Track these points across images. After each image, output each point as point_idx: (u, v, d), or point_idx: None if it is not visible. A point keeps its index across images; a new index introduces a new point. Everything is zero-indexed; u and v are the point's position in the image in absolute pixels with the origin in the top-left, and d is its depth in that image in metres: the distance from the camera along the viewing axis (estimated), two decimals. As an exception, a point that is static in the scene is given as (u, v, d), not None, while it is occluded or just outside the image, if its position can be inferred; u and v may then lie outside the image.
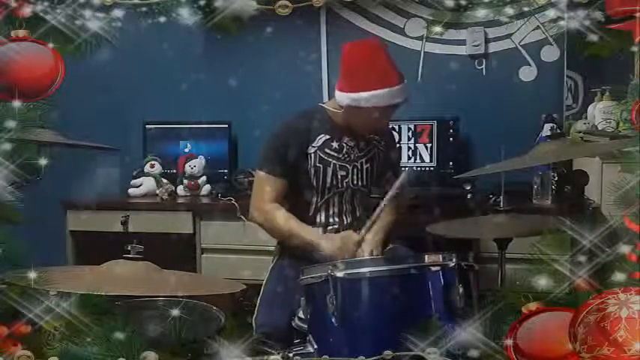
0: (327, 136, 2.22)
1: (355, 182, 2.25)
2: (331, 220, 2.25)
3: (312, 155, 2.20)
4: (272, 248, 2.40)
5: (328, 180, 2.21)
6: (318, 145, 2.20)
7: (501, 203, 2.22)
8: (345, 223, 2.25)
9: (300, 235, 2.15)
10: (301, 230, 2.16)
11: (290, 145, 2.18)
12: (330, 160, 2.21)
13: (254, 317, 2.13)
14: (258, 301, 2.18)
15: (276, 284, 2.19)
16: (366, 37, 3.21)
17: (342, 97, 2.15)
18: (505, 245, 2.12)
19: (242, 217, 2.90)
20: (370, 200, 2.31)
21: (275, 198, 2.19)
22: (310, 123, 2.22)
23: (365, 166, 2.27)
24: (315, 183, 2.21)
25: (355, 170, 2.25)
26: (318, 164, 2.20)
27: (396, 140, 2.75)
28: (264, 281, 2.26)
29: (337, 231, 2.21)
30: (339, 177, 2.22)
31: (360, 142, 2.26)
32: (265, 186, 2.21)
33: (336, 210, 2.24)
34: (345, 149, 2.23)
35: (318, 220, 2.25)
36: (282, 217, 2.17)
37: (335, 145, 2.22)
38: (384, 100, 2.10)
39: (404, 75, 2.17)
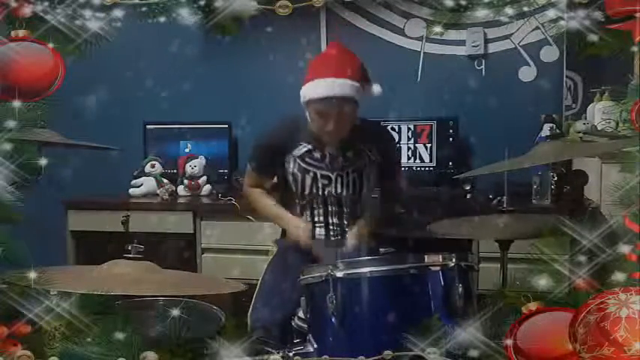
0: (309, 146, 2.20)
1: (339, 191, 2.21)
2: (316, 218, 2.26)
3: (291, 163, 2.21)
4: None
5: (307, 188, 2.21)
6: (298, 154, 2.21)
7: (504, 204, 2.21)
8: (331, 222, 2.25)
9: (278, 220, 2.31)
10: (278, 216, 2.30)
11: (272, 152, 2.26)
12: (310, 168, 2.20)
13: (249, 313, 2.13)
14: (254, 297, 2.18)
15: (273, 281, 2.19)
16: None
17: (301, 96, 2.11)
18: (507, 246, 2.12)
19: (249, 217, 2.90)
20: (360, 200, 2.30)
21: (257, 185, 2.36)
22: (292, 131, 2.22)
23: (351, 176, 2.22)
24: (294, 188, 2.23)
25: (339, 179, 2.21)
26: (296, 172, 2.21)
27: (396, 146, 2.74)
28: (261, 277, 2.26)
29: (326, 231, 2.25)
30: (320, 185, 2.21)
31: (347, 152, 2.21)
32: (250, 177, 2.39)
33: (321, 211, 2.25)
34: (327, 158, 2.20)
35: (304, 217, 2.26)
36: (262, 202, 2.35)
37: (317, 154, 2.20)
38: (320, 89, 2.04)
39: (364, 76, 2.10)
